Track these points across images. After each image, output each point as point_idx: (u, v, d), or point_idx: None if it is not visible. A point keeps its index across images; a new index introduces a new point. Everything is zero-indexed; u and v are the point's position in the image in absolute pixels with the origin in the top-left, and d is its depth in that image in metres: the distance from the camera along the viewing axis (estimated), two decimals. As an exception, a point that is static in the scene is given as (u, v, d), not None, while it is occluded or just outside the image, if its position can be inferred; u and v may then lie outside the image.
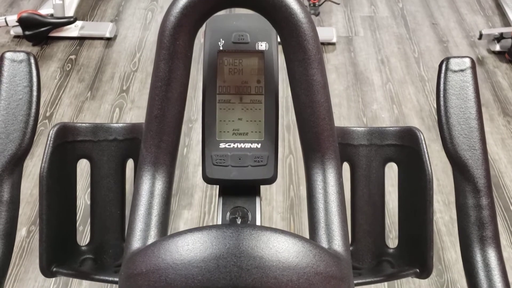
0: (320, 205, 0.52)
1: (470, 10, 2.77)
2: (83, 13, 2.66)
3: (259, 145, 0.60)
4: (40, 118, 2.07)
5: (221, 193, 0.62)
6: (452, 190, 1.83)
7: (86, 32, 2.47)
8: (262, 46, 0.60)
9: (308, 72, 0.52)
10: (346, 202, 0.54)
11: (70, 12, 2.50)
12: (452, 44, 2.52)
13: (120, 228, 0.68)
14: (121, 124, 0.66)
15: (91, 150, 0.66)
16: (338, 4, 2.71)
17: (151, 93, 0.53)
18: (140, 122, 0.66)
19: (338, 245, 0.49)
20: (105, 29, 2.47)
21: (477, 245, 0.53)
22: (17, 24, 2.38)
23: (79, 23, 2.47)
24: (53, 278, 1.56)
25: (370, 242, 0.68)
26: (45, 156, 0.61)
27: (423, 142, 0.63)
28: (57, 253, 0.63)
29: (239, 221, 0.60)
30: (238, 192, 0.62)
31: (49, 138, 0.62)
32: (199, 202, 1.78)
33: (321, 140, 0.54)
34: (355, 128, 0.67)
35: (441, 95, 0.56)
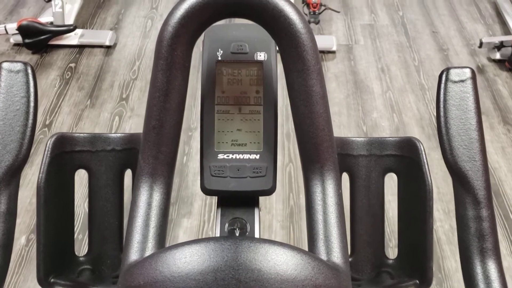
0: (319, 216, 0.51)
1: (471, 18, 2.77)
2: (83, 21, 2.67)
3: (258, 156, 0.59)
4: (40, 126, 2.07)
5: (220, 204, 0.62)
6: (452, 199, 1.80)
7: (85, 40, 2.47)
8: (261, 56, 0.60)
9: (307, 82, 0.51)
10: (346, 213, 0.53)
11: (70, 20, 2.50)
12: (453, 52, 2.52)
13: (118, 239, 0.67)
14: (119, 134, 0.66)
15: (89, 160, 0.66)
16: (338, 12, 2.72)
17: (149, 103, 0.52)
18: (138, 132, 0.66)
19: (337, 257, 0.49)
20: (104, 37, 2.47)
21: (477, 257, 0.53)
22: (16, 32, 2.39)
23: (78, 31, 2.48)
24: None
25: (370, 253, 0.67)
26: (42, 166, 0.60)
27: (423, 152, 0.62)
28: (55, 264, 0.63)
29: (237, 232, 0.60)
30: (237, 203, 0.62)
31: (46, 148, 0.61)
32: (198, 211, 1.77)
33: (320, 151, 0.53)
34: (354, 138, 0.67)
35: (441, 106, 0.56)
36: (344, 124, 2.11)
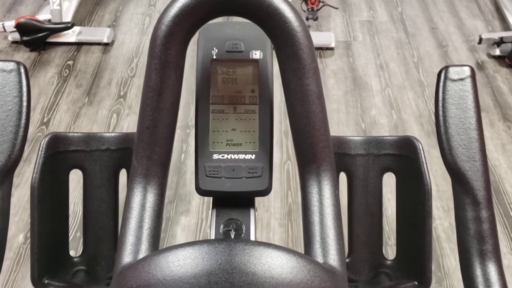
0: (316, 218, 0.51)
1: (470, 14, 2.76)
2: (80, 19, 2.65)
3: (253, 156, 0.59)
4: (38, 124, 2.06)
5: (215, 205, 0.61)
6: (451, 196, 1.80)
7: (83, 38, 2.46)
8: (257, 55, 0.59)
9: (303, 81, 0.51)
10: (343, 212, 0.53)
11: (67, 17, 2.49)
12: (452, 48, 2.51)
13: (113, 239, 0.67)
14: (114, 134, 0.65)
15: (83, 160, 0.65)
16: (337, 8, 2.70)
17: (142, 103, 0.52)
18: (133, 131, 0.65)
19: (333, 259, 0.48)
20: (102, 34, 2.46)
21: (477, 259, 0.52)
22: (14, 29, 2.38)
23: (76, 28, 2.47)
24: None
25: (368, 253, 0.67)
26: (36, 167, 0.59)
27: (422, 151, 0.61)
28: (49, 265, 0.62)
29: (233, 233, 0.59)
30: (232, 204, 0.61)
31: (40, 148, 0.61)
32: (196, 209, 1.76)
33: (316, 151, 0.52)
34: (352, 138, 0.66)
35: (440, 105, 0.55)
36: (343, 122, 2.10)
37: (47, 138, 0.61)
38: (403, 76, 2.33)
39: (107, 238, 0.66)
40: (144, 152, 0.52)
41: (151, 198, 0.52)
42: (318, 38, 2.47)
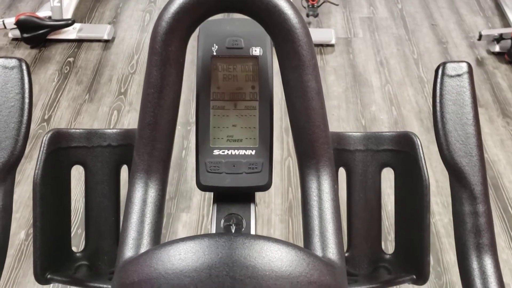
0: (315, 212, 0.51)
1: (470, 11, 2.76)
2: (81, 16, 2.66)
3: (253, 152, 0.59)
4: (38, 121, 2.06)
5: (216, 200, 0.62)
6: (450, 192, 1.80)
7: (84, 35, 2.46)
8: (257, 51, 0.59)
9: (302, 78, 0.51)
10: (342, 208, 0.53)
11: (68, 14, 2.49)
12: (452, 45, 2.51)
13: (115, 235, 0.67)
14: (115, 130, 0.66)
15: (85, 156, 0.65)
16: (337, 5, 2.70)
17: (143, 100, 0.52)
18: (134, 128, 0.65)
19: (332, 253, 0.49)
20: (103, 31, 2.47)
21: (474, 253, 0.53)
22: (15, 26, 2.38)
23: (77, 25, 2.47)
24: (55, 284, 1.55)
25: (367, 248, 0.67)
26: (38, 163, 0.60)
27: (420, 147, 0.62)
28: (52, 260, 0.63)
29: (233, 228, 0.60)
30: (233, 199, 0.62)
31: (42, 145, 0.61)
32: (197, 205, 1.77)
33: (316, 147, 0.53)
34: (351, 133, 0.67)
35: (437, 101, 0.55)
36: (343, 118, 2.10)
37: (49, 135, 0.62)
38: (403, 73, 2.34)
39: (109, 233, 0.67)
40: (145, 148, 0.53)
41: (152, 193, 0.52)
42: (319, 34, 2.47)
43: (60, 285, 1.55)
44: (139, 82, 2.26)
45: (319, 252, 0.49)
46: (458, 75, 0.56)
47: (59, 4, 2.41)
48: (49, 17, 2.44)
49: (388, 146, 0.66)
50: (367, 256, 0.67)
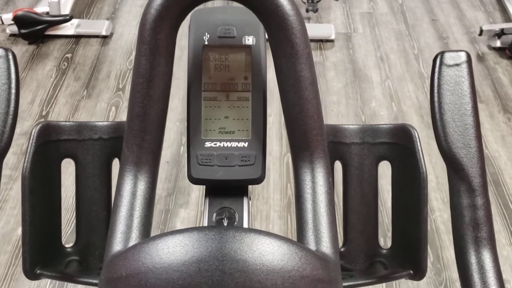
0: (308, 205, 0.50)
1: (471, 5, 2.74)
2: (79, 11, 2.64)
3: (246, 144, 0.58)
4: (36, 117, 2.05)
5: (207, 194, 0.61)
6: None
7: (82, 30, 2.45)
8: (249, 40, 0.58)
9: (295, 67, 0.50)
10: (338, 202, 0.52)
11: (66, 10, 2.47)
12: (452, 40, 2.50)
13: (106, 229, 0.66)
14: (106, 123, 0.64)
15: (75, 149, 0.64)
16: (337, 0, 2.69)
17: (132, 90, 0.51)
18: (125, 121, 0.64)
19: (326, 247, 0.47)
20: (101, 27, 2.45)
21: (472, 246, 0.51)
22: (12, 22, 2.36)
23: (75, 21, 2.45)
24: (49, 280, 1.54)
25: (363, 243, 0.66)
26: (27, 156, 0.59)
27: (417, 139, 0.61)
28: (41, 255, 0.61)
29: (225, 222, 0.59)
30: (225, 192, 0.60)
31: (31, 137, 0.60)
32: (195, 201, 1.76)
33: (309, 138, 0.52)
34: (347, 126, 0.65)
35: (435, 91, 0.54)
36: (343, 113, 2.09)
37: (38, 127, 0.60)
38: (403, 68, 2.32)
39: (100, 228, 0.65)
40: (135, 140, 0.51)
41: (142, 186, 0.51)
42: (318, 30, 2.46)
43: (51, 281, 1.54)
44: (138, 78, 2.24)
45: (312, 246, 0.48)
46: (457, 65, 0.54)
47: (56, 0, 2.39)
48: (47, 13, 2.42)
49: (385, 138, 0.64)
50: (363, 251, 0.66)
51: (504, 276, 0.52)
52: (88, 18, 2.61)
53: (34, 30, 2.36)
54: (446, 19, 2.64)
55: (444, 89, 0.54)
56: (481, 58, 2.38)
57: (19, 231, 1.65)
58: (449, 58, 0.55)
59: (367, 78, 2.27)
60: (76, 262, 0.65)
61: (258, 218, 1.70)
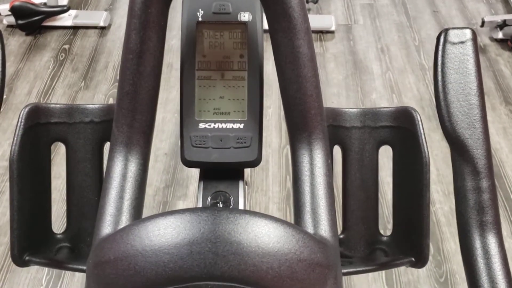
0: (306, 188, 0.48)
1: (472, -3, 2.72)
2: (76, 2, 2.61)
3: (242, 125, 0.56)
4: (33, 108, 2.03)
5: (202, 177, 0.58)
6: (452, 180, 1.77)
7: (79, 21, 2.42)
8: (245, 16, 0.56)
9: (293, 43, 0.48)
10: (338, 188, 0.50)
11: (63, 0, 2.45)
12: (453, 32, 2.47)
13: None
14: (98, 105, 0.62)
15: (66, 133, 0.62)
16: (337, -8, 2.66)
17: (122, 67, 0.49)
18: None
19: (324, 230, 0.45)
20: (99, 18, 2.43)
21: (476, 231, 0.49)
22: (9, 13, 2.34)
23: (72, 12, 2.43)
24: (46, 269, 1.53)
25: (363, 229, 0.64)
26: (15, 139, 0.57)
27: (420, 122, 0.58)
28: (30, 241, 0.59)
29: (220, 206, 0.56)
30: (220, 175, 0.58)
31: (20, 119, 0.58)
32: (194, 193, 1.74)
33: (308, 118, 0.50)
34: (347, 109, 0.63)
35: (439, 69, 0.52)
36: (343, 105, 2.07)
37: (27, 109, 0.58)
38: (404, 60, 2.30)
39: (92, 214, 0.63)
40: (125, 119, 0.49)
41: (132, 168, 0.49)
42: (319, 21, 2.43)
43: (48, 270, 1.52)
44: (136, 69, 2.22)
45: (310, 229, 0.46)
46: (462, 42, 0.52)
47: (54, -10, 2.37)
48: (44, 4, 2.40)
49: (387, 122, 0.62)
50: (363, 238, 0.64)
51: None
52: (86, 9, 2.59)
53: (32, 21, 2.34)
54: (447, 10, 2.62)
55: (448, 68, 0.51)
56: (482, 49, 2.36)
57: (16, 222, 1.63)
58: (453, 35, 0.52)
59: (368, 70, 2.24)
60: (66, 249, 0.63)
61: (256, 210, 1.68)
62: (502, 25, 2.35)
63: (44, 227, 0.63)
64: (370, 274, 1.50)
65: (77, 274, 1.51)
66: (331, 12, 2.59)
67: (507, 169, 1.82)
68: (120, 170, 0.48)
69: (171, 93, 2.08)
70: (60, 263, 0.60)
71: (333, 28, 2.42)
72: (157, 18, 0.47)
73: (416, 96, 2.11)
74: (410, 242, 0.59)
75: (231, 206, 0.56)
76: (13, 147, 0.56)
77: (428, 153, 0.57)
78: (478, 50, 0.52)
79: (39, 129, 0.60)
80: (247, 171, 1.40)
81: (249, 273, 0.36)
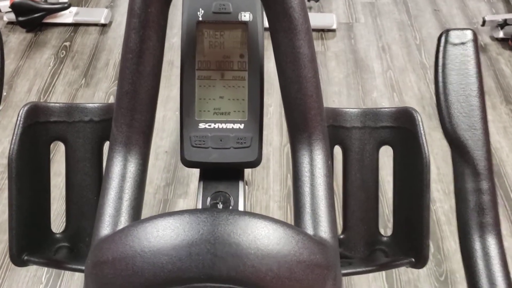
0: (306, 189, 0.48)
1: (473, -4, 2.71)
2: (77, -1, 2.62)
3: (242, 126, 0.55)
4: (33, 105, 2.03)
5: (202, 177, 0.58)
6: (452, 180, 1.78)
7: (80, 18, 2.42)
8: (246, 16, 0.55)
9: (294, 43, 0.47)
10: (338, 188, 0.50)
11: (64, -3, 2.45)
12: (454, 31, 2.46)
13: None
14: (98, 104, 0.62)
15: (65, 132, 0.62)
16: (338, -10, 2.66)
17: (121, 66, 0.48)
18: None
19: (324, 231, 0.45)
20: (100, 15, 2.42)
21: (476, 232, 0.49)
22: (10, 10, 2.34)
23: (73, 9, 2.43)
24: (45, 268, 1.52)
25: (363, 230, 0.64)
26: (14, 138, 0.56)
27: (420, 123, 0.58)
28: (29, 241, 0.59)
29: (220, 207, 0.56)
30: (220, 176, 0.58)
31: (19, 118, 0.57)
32: (194, 191, 1.74)
33: (308, 119, 0.49)
34: (347, 110, 0.63)
35: (440, 70, 0.51)
36: (344, 104, 2.06)
37: (26, 108, 0.58)
38: (405, 59, 2.30)
39: (91, 213, 0.63)
40: (124, 119, 0.49)
41: (132, 168, 0.49)
42: (320, 19, 2.43)
43: (48, 269, 1.52)
44: (136, 67, 2.22)
45: (310, 230, 0.45)
46: (462, 43, 0.52)
47: (55, -13, 2.37)
48: (45, 1, 2.40)
49: (387, 122, 0.62)
50: (363, 239, 0.64)
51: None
52: (87, 6, 2.58)
53: (32, 18, 2.34)
54: (448, 9, 2.61)
55: (449, 69, 0.51)
56: (483, 49, 2.35)
57: (16, 220, 1.63)
58: (454, 36, 0.52)
59: (369, 69, 2.24)
60: (66, 249, 0.63)
61: (257, 208, 1.68)
62: (503, 24, 2.34)
63: (43, 226, 0.63)
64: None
65: (77, 273, 1.51)
66: (332, 10, 2.58)
67: (507, 168, 1.82)
68: (119, 170, 0.48)
69: (172, 91, 2.07)
70: (59, 263, 0.59)
71: (334, 27, 2.41)
72: (157, 17, 0.47)
73: (417, 94, 2.11)
74: (410, 243, 0.59)
75: (231, 207, 0.56)
76: (12, 146, 0.56)
77: (428, 153, 0.57)
78: (479, 51, 0.52)
79: (38, 128, 0.60)
80: (247, 170, 1.40)
81: (248, 274, 0.36)
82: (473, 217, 0.49)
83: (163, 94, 2.05)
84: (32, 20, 2.34)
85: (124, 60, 0.48)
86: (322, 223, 0.46)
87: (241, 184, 0.58)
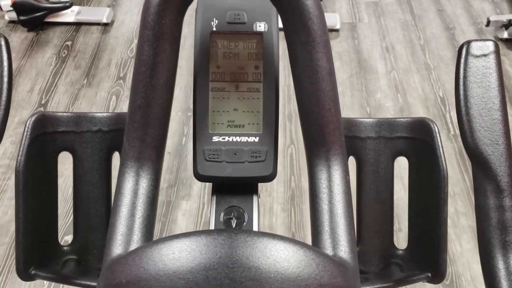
0: (325, 206, 0.46)
1: (477, -4, 2.70)
2: (79, -2, 2.60)
3: (256, 139, 0.54)
4: (35, 105, 2.01)
5: (215, 192, 0.57)
6: (457, 181, 1.78)
7: (82, 18, 2.40)
8: (261, 27, 0.54)
9: (312, 56, 0.46)
10: (353, 199, 0.48)
11: (66, -4, 2.43)
12: (459, 31, 2.45)
13: (106, 227, 0.62)
14: (106, 114, 0.61)
15: (73, 142, 0.60)
16: (342, -11, 2.64)
17: (134, 79, 0.47)
18: (126, 112, 0.60)
19: (344, 251, 0.44)
20: (102, 14, 2.41)
21: (499, 251, 0.48)
22: (11, 9, 2.32)
23: (75, 8, 2.41)
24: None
25: (378, 243, 0.62)
26: (21, 149, 0.55)
27: (437, 134, 0.57)
28: (36, 254, 0.58)
29: (234, 222, 0.55)
30: (234, 190, 0.57)
31: (26, 129, 0.56)
32: (197, 193, 1.73)
33: (326, 133, 0.48)
34: (362, 119, 0.62)
35: (461, 83, 0.50)
36: (348, 105, 2.05)
37: (33, 118, 0.57)
38: (409, 59, 2.28)
39: (100, 225, 0.62)
40: (136, 133, 0.47)
41: (144, 184, 0.47)
42: (323, 19, 2.41)
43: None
44: (139, 67, 2.20)
45: (329, 251, 0.44)
46: (484, 55, 0.50)
47: (56, -14, 2.35)
48: None
49: (403, 133, 0.61)
50: (378, 252, 0.62)
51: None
52: (89, 5, 2.57)
53: (34, 17, 2.32)
54: (452, 9, 2.60)
55: (470, 81, 0.50)
56: (488, 49, 2.34)
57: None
58: (476, 48, 0.51)
59: (372, 69, 2.22)
60: (73, 262, 0.62)
61: (261, 210, 1.67)
62: (508, 24, 2.33)
63: (50, 239, 0.61)
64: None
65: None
66: (336, 10, 2.57)
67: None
68: (132, 186, 0.47)
69: (175, 91, 2.06)
70: (67, 278, 0.58)
71: (337, 27, 2.40)
72: (171, 29, 0.45)
73: (421, 95, 2.09)
74: (427, 257, 0.58)
75: (245, 222, 0.55)
76: (19, 158, 0.55)
77: (446, 166, 0.56)
78: (501, 63, 0.51)
79: (46, 138, 0.59)
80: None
81: None
82: (495, 235, 0.48)
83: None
84: (33, 19, 2.33)
85: (137, 73, 0.46)
86: (342, 243, 0.44)
87: (255, 199, 0.56)
